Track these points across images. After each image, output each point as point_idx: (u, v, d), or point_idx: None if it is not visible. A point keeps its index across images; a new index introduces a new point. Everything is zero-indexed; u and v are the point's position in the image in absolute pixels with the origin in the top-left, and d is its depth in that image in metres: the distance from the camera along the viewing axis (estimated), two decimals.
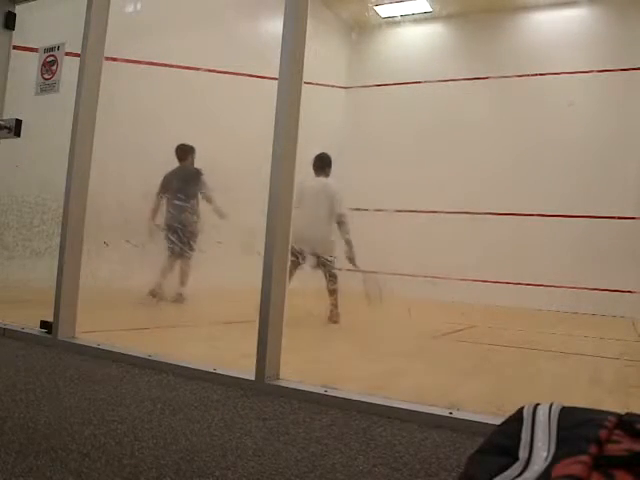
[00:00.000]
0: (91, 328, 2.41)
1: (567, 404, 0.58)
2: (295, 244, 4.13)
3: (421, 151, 7.21)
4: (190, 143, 4.83)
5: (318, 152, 4.29)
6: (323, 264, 4.14)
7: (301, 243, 4.10)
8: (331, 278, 4.15)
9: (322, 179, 4.24)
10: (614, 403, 2.02)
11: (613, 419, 0.53)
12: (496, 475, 0.51)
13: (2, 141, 2.60)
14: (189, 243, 4.49)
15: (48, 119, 2.96)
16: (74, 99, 2.31)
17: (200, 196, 4.65)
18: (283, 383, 1.75)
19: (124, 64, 4.78)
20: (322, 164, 4.29)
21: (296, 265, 4.08)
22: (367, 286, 4.21)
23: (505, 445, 0.54)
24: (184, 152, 4.75)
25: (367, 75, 8.09)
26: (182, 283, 4.53)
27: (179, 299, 4.47)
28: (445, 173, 7.07)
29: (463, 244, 6.88)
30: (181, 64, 5.55)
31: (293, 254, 4.12)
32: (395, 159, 7.18)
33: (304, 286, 4.16)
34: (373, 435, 1.38)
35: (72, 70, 2.37)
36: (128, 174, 4.67)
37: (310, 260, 4.15)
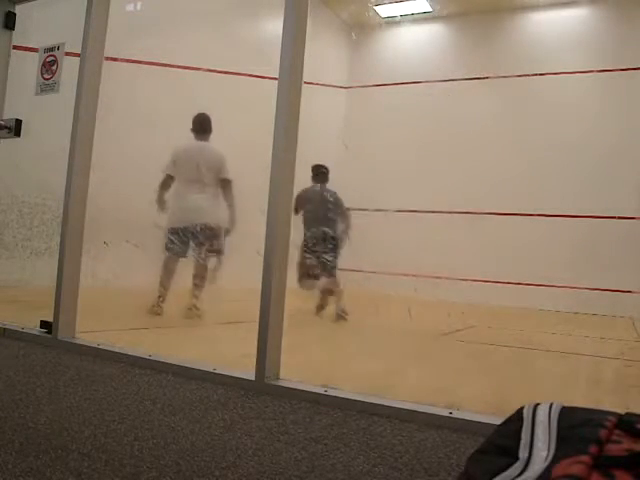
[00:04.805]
0: (93, 328, 2.41)
1: (567, 404, 0.58)
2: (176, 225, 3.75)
3: (421, 151, 7.21)
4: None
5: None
6: (199, 242, 3.72)
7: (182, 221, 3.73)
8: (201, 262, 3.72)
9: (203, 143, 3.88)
10: (614, 403, 2.02)
11: (613, 419, 0.53)
12: (496, 475, 0.51)
13: (2, 141, 2.60)
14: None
15: (48, 119, 2.96)
16: (74, 99, 2.31)
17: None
18: (283, 383, 1.75)
19: (124, 64, 4.78)
20: (202, 126, 3.86)
21: (176, 257, 3.74)
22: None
23: (505, 445, 0.54)
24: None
25: (367, 75, 8.10)
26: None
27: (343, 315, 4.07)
28: (445, 173, 7.07)
29: (463, 244, 6.88)
30: (180, 64, 5.55)
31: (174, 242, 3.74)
32: (395, 159, 7.18)
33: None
34: (373, 435, 1.38)
35: (72, 70, 2.37)
36: (127, 174, 4.67)
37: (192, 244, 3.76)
